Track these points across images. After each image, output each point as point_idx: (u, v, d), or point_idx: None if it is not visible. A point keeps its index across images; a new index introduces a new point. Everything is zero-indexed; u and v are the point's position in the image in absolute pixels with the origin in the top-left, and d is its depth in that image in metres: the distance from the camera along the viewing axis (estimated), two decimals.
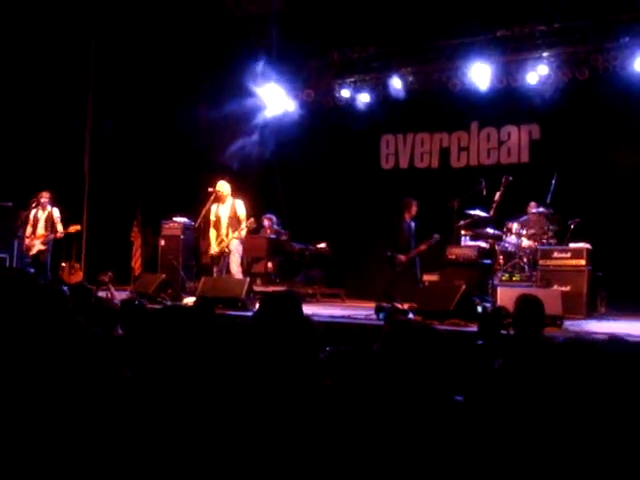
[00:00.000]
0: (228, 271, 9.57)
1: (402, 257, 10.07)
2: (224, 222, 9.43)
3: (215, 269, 9.66)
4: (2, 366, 2.59)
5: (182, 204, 12.20)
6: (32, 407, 2.41)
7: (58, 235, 10.79)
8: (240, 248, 9.68)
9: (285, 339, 2.56)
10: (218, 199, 9.48)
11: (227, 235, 9.44)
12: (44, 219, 10.85)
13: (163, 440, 2.27)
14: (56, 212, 10.86)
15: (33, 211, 10.92)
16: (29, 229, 10.93)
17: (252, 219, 9.61)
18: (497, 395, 2.76)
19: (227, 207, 9.48)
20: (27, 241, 10.93)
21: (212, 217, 9.57)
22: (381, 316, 7.41)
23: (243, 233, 9.55)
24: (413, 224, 10.51)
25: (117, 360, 2.99)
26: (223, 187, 9.51)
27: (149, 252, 12.90)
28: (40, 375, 2.49)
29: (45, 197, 10.90)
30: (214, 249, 9.54)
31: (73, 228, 10.89)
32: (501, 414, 2.54)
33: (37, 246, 10.83)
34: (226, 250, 9.42)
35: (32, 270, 10.43)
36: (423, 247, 10.23)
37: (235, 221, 9.46)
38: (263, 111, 13.36)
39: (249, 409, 2.36)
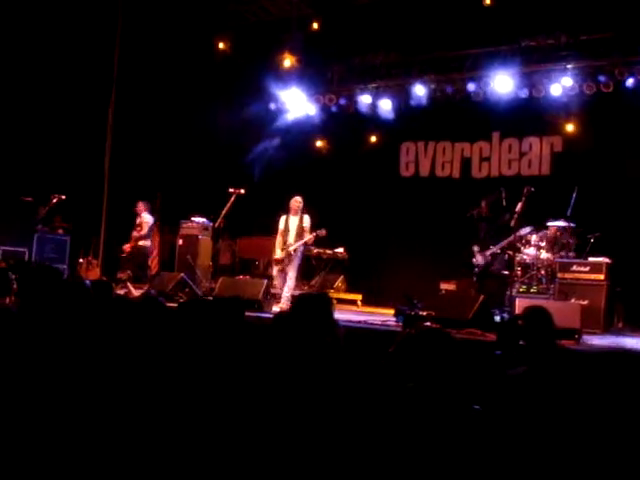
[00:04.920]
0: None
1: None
2: (292, 232, 9.97)
3: (275, 270, 10.15)
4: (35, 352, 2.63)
5: (201, 205, 12.22)
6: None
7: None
8: (301, 254, 10.12)
9: (316, 338, 2.56)
10: (290, 210, 10.02)
11: (294, 242, 9.97)
12: None
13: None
14: None
15: None
16: None
17: (324, 229, 9.96)
18: (517, 404, 2.75)
19: (297, 219, 10.04)
20: None
21: (281, 226, 10.08)
22: (400, 320, 7.40)
23: (309, 239, 9.97)
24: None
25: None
26: (298, 201, 10.05)
27: (166, 251, 12.93)
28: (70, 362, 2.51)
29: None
30: (278, 254, 10.01)
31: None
32: (521, 422, 2.52)
33: None
34: (292, 253, 9.84)
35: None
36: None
37: (301, 232, 9.96)
38: (284, 115, 13.39)
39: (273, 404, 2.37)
